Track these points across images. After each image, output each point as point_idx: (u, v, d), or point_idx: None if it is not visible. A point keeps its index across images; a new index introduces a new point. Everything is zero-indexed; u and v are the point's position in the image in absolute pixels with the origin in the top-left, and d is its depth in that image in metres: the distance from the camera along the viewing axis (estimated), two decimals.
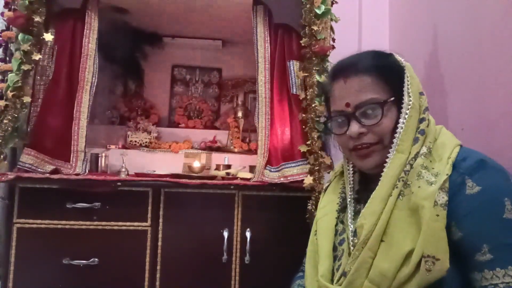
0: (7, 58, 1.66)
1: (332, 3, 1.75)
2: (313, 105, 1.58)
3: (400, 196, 0.73)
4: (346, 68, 0.82)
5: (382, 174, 0.76)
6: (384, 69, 0.80)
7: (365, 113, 0.79)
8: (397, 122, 0.78)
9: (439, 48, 1.54)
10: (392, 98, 0.78)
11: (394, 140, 0.77)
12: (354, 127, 0.79)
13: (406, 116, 0.77)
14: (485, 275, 0.65)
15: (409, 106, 0.77)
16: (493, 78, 1.18)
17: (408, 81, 0.79)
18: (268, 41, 1.75)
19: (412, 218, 0.70)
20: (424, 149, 0.75)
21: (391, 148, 0.77)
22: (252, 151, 2.29)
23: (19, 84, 1.50)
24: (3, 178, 1.45)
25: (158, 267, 1.55)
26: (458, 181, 0.70)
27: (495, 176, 0.70)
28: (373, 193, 0.76)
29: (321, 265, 0.82)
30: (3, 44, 1.67)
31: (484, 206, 0.68)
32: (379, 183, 0.76)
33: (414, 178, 0.73)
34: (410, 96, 0.78)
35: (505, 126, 1.11)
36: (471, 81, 1.30)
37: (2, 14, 1.61)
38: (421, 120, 0.78)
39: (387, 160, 0.77)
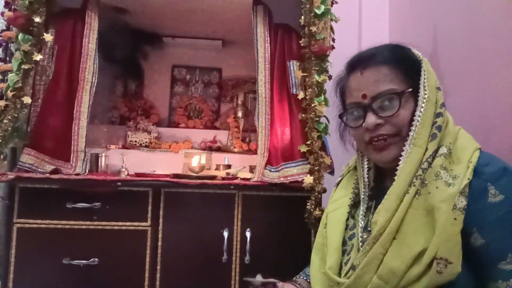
0: (7, 58, 1.66)
1: (332, 3, 1.75)
2: (313, 105, 1.58)
3: (417, 195, 0.72)
4: (364, 60, 0.82)
5: (398, 168, 0.75)
6: (402, 61, 0.80)
7: (382, 105, 0.78)
8: (413, 115, 0.77)
9: (439, 48, 1.54)
10: (410, 89, 0.78)
11: (410, 133, 0.76)
12: (371, 119, 0.78)
13: (422, 109, 0.76)
14: (510, 284, 0.65)
15: (425, 100, 0.76)
16: (493, 78, 1.18)
17: (425, 74, 0.79)
18: (268, 41, 1.75)
19: (426, 218, 0.70)
20: (444, 150, 0.74)
21: (407, 141, 0.76)
22: (252, 151, 2.29)
23: (20, 85, 1.50)
24: (3, 178, 1.45)
25: (158, 267, 1.55)
26: (480, 187, 0.69)
27: None
28: (390, 189, 0.75)
29: (329, 258, 0.82)
30: (3, 44, 1.67)
31: (508, 216, 0.67)
32: (395, 179, 0.75)
33: (432, 178, 0.72)
34: (425, 90, 0.77)
35: (505, 126, 1.11)
36: (471, 81, 1.30)
37: (2, 14, 1.62)
38: (438, 115, 0.77)
39: (402, 153, 0.76)
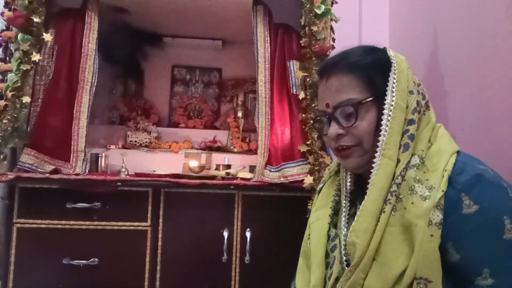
0: (7, 58, 1.66)
1: (332, 3, 1.75)
2: (313, 105, 1.58)
3: (393, 211, 0.69)
4: (329, 68, 0.79)
5: (370, 182, 0.72)
6: (368, 67, 0.76)
7: (343, 114, 0.76)
8: (380, 125, 0.73)
9: (439, 48, 1.54)
10: (370, 98, 0.74)
11: (379, 144, 0.72)
12: (333, 128, 0.77)
13: (389, 117, 0.71)
14: None
15: (392, 107, 0.72)
16: (493, 78, 1.18)
17: (395, 78, 0.74)
18: (268, 41, 1.75)
19: (404, 236, 0.67)
20: (416, 160, 0.70)
21: (375, 152, 0.72)
22: (252, 151, 2.29)
23: (19, 84, 1.50)
24: (3, 178, 1.44)
25: (158, 267, 1.55)
26: (455, 199, 0.65)
27: (493, 193, 0.65)
28: (362, 205, 0.71)
29: (313, 275, 0.81)
30: (3, 44, 1.67)
31: (483, 228, 0.64)
32: (367, 194, 0.71)
33: (406, 192, 0.68)
34: (393, 96, 0.72)
35: (505, 126, 1.11)
36: (471, 81, 1.30)
37: (2, 14, 1.62)
38: (410, 122, 0.72)
39: (373, 165, 0.72)
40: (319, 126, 0.85)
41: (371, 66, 0.76)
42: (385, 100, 0.73)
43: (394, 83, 0.74)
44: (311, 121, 1.57)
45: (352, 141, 0.76)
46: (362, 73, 0.75)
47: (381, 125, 0.72)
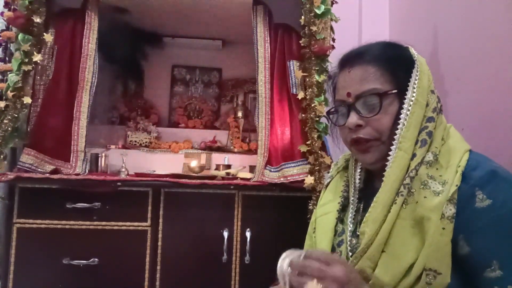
0: (7, 58, 1.66)
1: (332, 3, 1.75)
2: (313, 105, 1.58)
3: (404, 205, 0.69)
4: (353, 58, 0.80)
5: (385, 174, 0.72)
6: (392, 61, 0.77)
7: (365, 104, 0.75)
8: (399, 119, 0.73)
9: (439, 48, 1.54)
10: (394, 91, 0.74)
11: (395, 137, 0.72)
12: (353, 118, 0.76)
13: (408, 112, 0.72)
14: None
15: (412, 102, 0.73)
16: (493, 78, 1.18)
17: (417, 76, 0.75)
18: (268, 41, 1.75)
19: (415, 229, 0.68)
20: (430, 156, 0.71)
21: (391, 145, 0.73)
22: (252, 151, 2.29)
23: (20, 85, 1.50)
24: (3, 178, 1.44)
25: (158, 267, 1.55)
26: (468, 193, 0.66)
27: (506, 189, 0.66)
28: (376, 197, 0.72)
29: None
30: (3, 44, 1.67)
31: (494, 221, 0.64)
32: (382, 185, 0.72)
33: (418, 187, 0.69)
34: (414, 92, 0.73)
35: (505, 126, 1.11)
36: (471, 81, 1.30)
37: (2, 14, 1.62)
38: (429, 120, 0.73)
39: (389, 158, 0.73)
40: (333, 117, 0.84)
41: (396, 59, 0.77)
42: (406, 95, 0.74)
43: (416, 80, 0.75)
44: (311, 121, 1.57)
45: (371, 134, 0.75)
46: (387, 65, 0.76)
47: (399, 119, 0.73)
